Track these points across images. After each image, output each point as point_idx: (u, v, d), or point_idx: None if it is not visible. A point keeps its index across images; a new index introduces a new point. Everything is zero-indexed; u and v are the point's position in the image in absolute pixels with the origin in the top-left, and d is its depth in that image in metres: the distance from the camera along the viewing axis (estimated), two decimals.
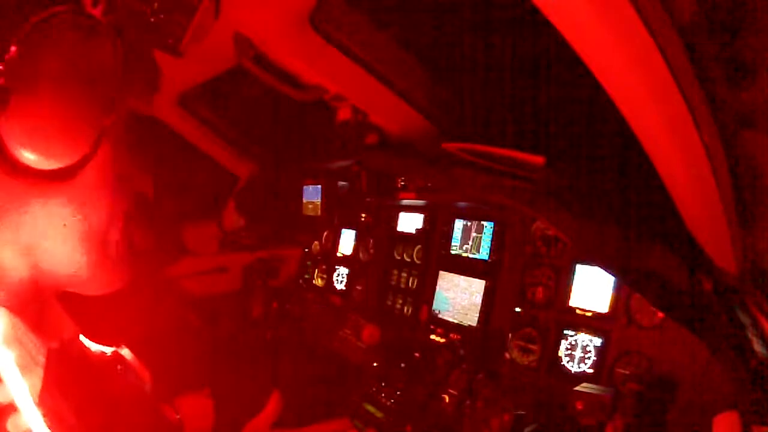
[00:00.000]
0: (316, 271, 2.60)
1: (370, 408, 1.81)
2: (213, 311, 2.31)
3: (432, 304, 1.96)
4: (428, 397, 1.71)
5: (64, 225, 0.52)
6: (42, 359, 0.48)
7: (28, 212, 0.50)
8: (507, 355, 1.66)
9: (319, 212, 2.49)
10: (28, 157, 0.48)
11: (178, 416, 0.63)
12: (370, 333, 2.01)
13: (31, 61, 0.51)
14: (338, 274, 2.47)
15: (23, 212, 0.50)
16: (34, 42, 0.51)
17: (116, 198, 0.56)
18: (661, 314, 1.33)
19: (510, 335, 1.67)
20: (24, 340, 0.47)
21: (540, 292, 1.62)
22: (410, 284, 2.08)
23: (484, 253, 1.83)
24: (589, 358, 1.47)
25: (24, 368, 0.45)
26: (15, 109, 0.49)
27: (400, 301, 2.10)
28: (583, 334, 1.50)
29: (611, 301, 1.46)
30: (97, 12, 0.56)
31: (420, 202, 2.11)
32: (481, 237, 1.85)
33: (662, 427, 1.25)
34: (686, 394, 1.20)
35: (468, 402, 1.57)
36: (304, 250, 2.69)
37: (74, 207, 0.52)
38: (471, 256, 1.87)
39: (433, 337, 1.89)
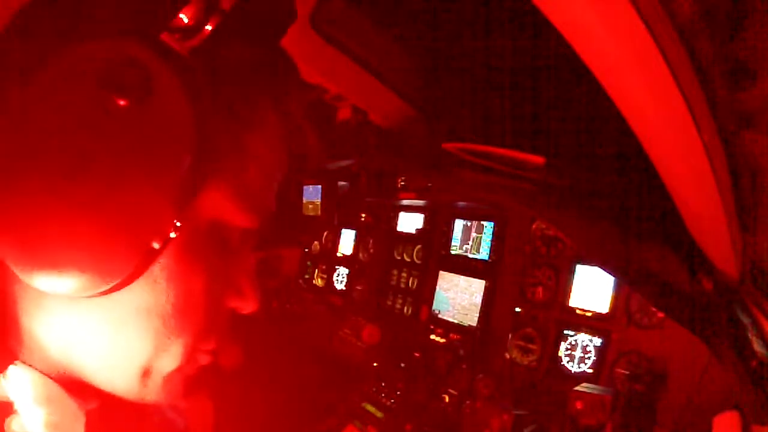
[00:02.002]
0: (316, 271, 2.60)
1: (370, 408, 1.81)
2: None
3: (432, 304, 1.96)
4: (428, 397, 1.71)
5: (98, 344, 0.40)
6: (81, 419, 0.42)
7: (61, 320, 0.39)
8: (507, 355, 1.66)
9: (319, 212, 2.49)
10: (37, 284, 0.34)
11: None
12: (370, 333, 2.01)
13: (22, 133, 0.33)
14: (338, 274, 2.47)
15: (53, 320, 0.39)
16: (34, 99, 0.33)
17: (165, 323, 0.40)
18: (661, 314, 1.33)
19: (510, 335, 1.67)
20: (59, 400, 0.41)
21: (540, 292, 1.63)
22: (410, 284, 2.08)
23: (484, 253, 1.83)
24: (589, 358, 1.47)
25: (57, 427, 0.40)
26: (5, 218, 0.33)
27: (400, 301, 2.11)
28: (583, 334, 1.50)
29: (611, 301, 1.46)
30: (183, 44, 0.35)
31: (420, 202, 2.11)
32: (481, 237, 1.85)
33: (662, 427, 1.25)
34: (686, 394, 1.20)
35: (468, 402, 1.57)
36: (304, 250, 2.69)
37: (110, 330, 0.39)
38: (471, 256, 1.87)
39: (433, 337, 1.89)
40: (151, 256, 0.35)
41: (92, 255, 0.34)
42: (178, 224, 0.36)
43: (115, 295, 0.37)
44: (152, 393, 0.43)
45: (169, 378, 0.43)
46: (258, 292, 0.46)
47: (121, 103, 0.33)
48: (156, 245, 0.35)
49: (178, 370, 0.43)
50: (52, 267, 0.33)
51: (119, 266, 0.35)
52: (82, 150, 0.33)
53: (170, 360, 0.42)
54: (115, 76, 0.33)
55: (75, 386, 0.42)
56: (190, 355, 0.43)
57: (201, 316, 0.42)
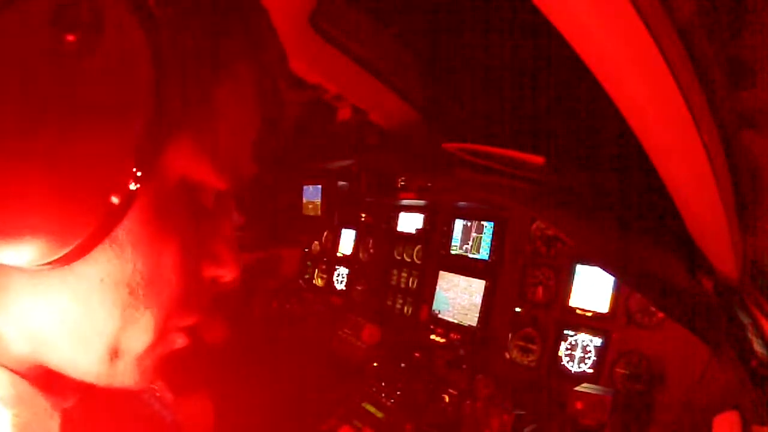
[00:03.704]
0: (316, 271, 2.60)
1: (370, 408, 1.81)
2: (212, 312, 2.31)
3: (432, 304, 1.96)
4: (428, 397, 1.71)
5: (63, 321, 0.37)
6: (56, 418, 0.40)
7: (24, 300, 0.36)
8: (507, 355, 1.66)
9: (319, 212, 2.49)
10: None
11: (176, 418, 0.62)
12: (370, 333, 2.01)
13: None
14: (338, 274, 2.47)
15: (19, 298, 0.36)
16: None
17: (132, 296, 0.37)
18: (661, 314, 1.33)
19: (510, 335, 1.67)
20: (29, 398, 0.38)
21: (540, 292, 1.62)
22: (410, 284, 2.08)
23: (484, 253, 1.83)
24: (589, 358, 1.47)
25: (27, 428, 0.37)
26: None
27: (400, 301, 2.10)
28: (583, 334, 1.50)
29: (611, 301, 1.46)
30: None
31: (420, 202, 2.11)
32: (481, 237, 1.85)
33: (662, 427, 1.25)
34: (686, 394, 1.20)
35: (468, 402, 1.57)
36: (304, 250, 2.69)
37: (74, 307, 0.36)
38: (471, 256, 1.87)
39: (433, 337, 1.89)
40: (112, 215, 0.33)
41: (45, 215, 0.31)
42: (139, 175, 0.33)
43: (78, 268, 0.34)
44: (124, 374, 0.40)
45: (142, 357, 0.40)
46: (238, 259, 0.43)
47: (69, 40, 0.30)
48: (115, 200, 0.32)
49: (152, 348, 0.40)
50: (2, 234, 0.31)
51: (76, 226, 0.32)
52: (28, 97, 0.30)
53: (141, 336, 0.39)
54: (62, 13, 0.30)
55: (47, 382, 0.39)
56: (163, 332, 0.40)
57: (174, 286, 0.39)
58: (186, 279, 0.40)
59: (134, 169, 0.33)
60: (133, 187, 0.33)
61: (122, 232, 0.35)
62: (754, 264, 0.69)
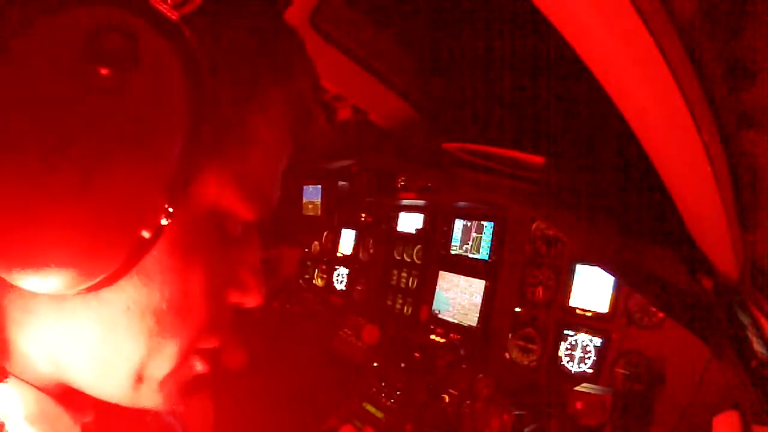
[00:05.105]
0: (316, 271, 2.60)
1: (370, 408, 1.81)
2: None
3: (432, 304, 1.96)
4: (428, 397, 1.71)
5: (86, 345, 0.37)
6: None
7: (47, 322, 0.36)
8: (507, 355, 1.66)
9: (319, 212, 2.49)
10: (17, 282, 0.31)
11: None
12: (370, 333, 2.01)
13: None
14: (338, 274, 2.47)
15: (43, 322, 0.36)
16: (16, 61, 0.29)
17: (158, 323, 0.37)
18: (661, 314, 1.33)
19: (510, 335, 1.67)
20: (53, 415, 0.39)
21: (540, 292, 1.62)
22: (410, 284, 2.08)
23: (484, 253, 1.83)
24: (589, 358, 1.47)
25: None
26: None
27: (400, 301, 2.11)
28: (583, 334, 1.50)
29: (611, 301, 1.46)
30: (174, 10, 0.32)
31: (420, 202, 2.11)
32: (481, 237, 1.85)
33: (662, 427, 1.25)
34: (686, 393, 1.20)
35: (468, 402, 1.57)
36: (304, 250, 2.69)
37: (100, 332, 0.36)
38: (471, 256, 1.87)
39: (433, 337, 1.89)
40: (141, 248, 0.32)
41: (74, 248, 0.31)
42: (171, 210, 0.32)
43: (105, 294, 0.34)
44: (147, 398, 0.40)
45: (165, 381, 0.40)
46: (263, 286, 0.43)
47: (104, 72, 0.30)
48: (146, 234, 0.32)
49: (175, 372, 0.40)
50: (30, 263, 0.31)
51: (105, 259, 0.32)
52: (60, 129, 0.30)
53: (165, 362, 0.39)
54: (96, 43, 0.29)
55: (69, 398, 0.40)
56: (187, 356, 0.40)
57: (200, 314, 0.39)
58: (212, 306, 0.40)
59: (166, 205, 0.32)
60: (164, 222, 0.33)
61: (150, 260, 0.34)
62: (754, 264, 0.69)
